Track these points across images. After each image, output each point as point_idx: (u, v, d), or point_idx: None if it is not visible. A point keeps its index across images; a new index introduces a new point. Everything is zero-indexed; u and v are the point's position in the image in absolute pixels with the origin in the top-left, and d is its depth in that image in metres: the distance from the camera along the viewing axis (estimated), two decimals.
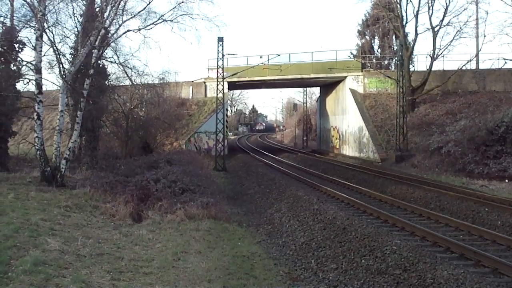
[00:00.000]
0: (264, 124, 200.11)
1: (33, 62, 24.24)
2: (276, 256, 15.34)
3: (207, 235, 17.17)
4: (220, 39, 42.33)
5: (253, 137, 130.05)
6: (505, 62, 45.94)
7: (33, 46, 24.55)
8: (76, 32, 29.02)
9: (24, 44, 28.33)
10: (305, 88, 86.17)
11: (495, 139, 31.88)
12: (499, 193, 26.06)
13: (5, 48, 28.06)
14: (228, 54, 45.82)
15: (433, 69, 50.45)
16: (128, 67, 32.55)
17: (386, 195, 24.94)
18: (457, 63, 68.17)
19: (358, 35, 75.28)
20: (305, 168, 40.34)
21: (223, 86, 44.62)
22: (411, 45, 51.71)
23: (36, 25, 23.94)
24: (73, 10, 28.01)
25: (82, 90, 26.02)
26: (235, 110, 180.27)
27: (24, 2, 24.89)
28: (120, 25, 28.63)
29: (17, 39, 28.31)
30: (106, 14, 26.79)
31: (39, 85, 23.78)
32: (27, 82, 28.88)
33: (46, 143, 27.15)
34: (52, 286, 10.25)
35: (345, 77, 56.65)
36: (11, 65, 28.66)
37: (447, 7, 48.29)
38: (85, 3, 28.32)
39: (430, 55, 50.19)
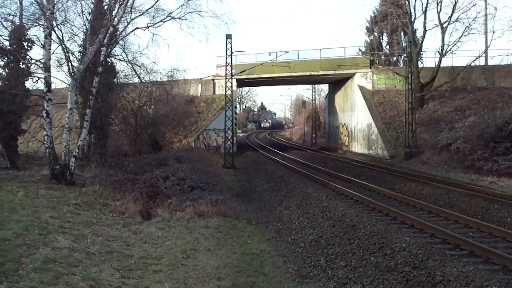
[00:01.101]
0: (270, 121, 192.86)
1: (42, 60, 24.38)
2: (285, 253, 15.37)
3: (216, 232, 17.21)
4: (229, 36, 42.26)
5: (262, 135, 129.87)
6: None
7: (42, 44, 24.67)
8: (85, 30, 29.16)
9: (33, 43, 28.42)
10: (313, 85, 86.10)
11: (505, 135, 31.74)
12: (508, 189, 25.91)
13: (14, 46, 28.17)
14: (237, 51, 45.84)
15: (442, 65, 50.26)
16: (136, 65, 32.62)
17: (395, 192, 24.88)
18: (466, 59, 67.68)
19: (366, 31, 75.06)
20: (314, 165, 40.30)
21: (231, 83, 44.65)
22: (420, 42, 51.43)
23: (45, 24, 24.04)
24: (82, 8, 28.12)
25: (91, 88, 26.09)
26: (243, 107, 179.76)
27: (33, 1, 25.06)
28: (128, 23, 28.72)
29: (26, 37, 28.40)
30: (114, 12, 26.86)
31: (48, 83, 23.89)
32: (36, 80, 29.04)
33: (55, 141, 27.22)
34: (62, 284, 10.28)
35: (354, 74, 56.55)
36: (20, 63, 28.76)
37: (455, 3, 48.09)
38: (93, 1, 28.40)
39: (438, 52, 50.01)
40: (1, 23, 26.31)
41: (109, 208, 19.46)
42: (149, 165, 28.20)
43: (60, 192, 20.86)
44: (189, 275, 12.13)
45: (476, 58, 49.70)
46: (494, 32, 48.03)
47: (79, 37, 29.74)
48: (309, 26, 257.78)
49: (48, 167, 24.88)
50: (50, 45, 23.99)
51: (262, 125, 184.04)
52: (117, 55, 31.95)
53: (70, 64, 25.45)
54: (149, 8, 28.86)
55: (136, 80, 37.08)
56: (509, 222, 18.05)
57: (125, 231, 16.34)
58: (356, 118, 55.80)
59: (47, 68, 23.89)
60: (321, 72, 58.59)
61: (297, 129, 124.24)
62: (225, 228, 18.04)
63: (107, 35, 26.29)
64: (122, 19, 27.77)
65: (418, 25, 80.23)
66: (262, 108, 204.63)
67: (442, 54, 49.36)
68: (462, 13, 48.55)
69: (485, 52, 52.23)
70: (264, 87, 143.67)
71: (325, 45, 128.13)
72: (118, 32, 28.53)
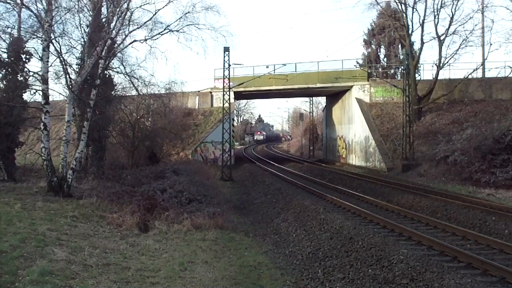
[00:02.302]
0: (264, 133, 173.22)
1: (40, 73, 24.40)
2: (283, 265, 15.30)
3: (213, 245, 17.19)
4: (226, 49, 42.36)
5: (259, 147, 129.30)
6: None
7: (40, 56, 24.71)
8: (83, 43, 29.18)
9: (31, 55, 28.49)
10: (311, 98, 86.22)
11: (502, 147, 31.77)
12: (506, 201, 25.96)
13: (12, 58, 28.22)
14: (235, 64, 45.97)
15: (439, 78, 50.44)
16: (134, 77, 32.66)
17: (392, 204, 24.88)
18: (463, 71, 68.32)
19: (364, 44, 75.47)
20: (311, 178, 40.32)
21: (229, 96, 44.61)
22: (417, 54, 51.60)
23: (43, 36, 24.09)
24: (80, 21, 28.17)
25: (88, 100, 26.14)
26: (241, 120, 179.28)
27: (31, 13, 25.06)
28: (126, 36, 28.81)
29: (24, 49, 28.48)
30: (112, 25, 26.97)
31: (46, 96, 23.90)
32: (34, 93, 29.01)
33: (52, 153, 27.27)
34: None
35: (351, 86, 56.67)
36: (18, 75, 28.80)
37: (452, 16, 48.32)
38: (91, 13, 28.46)
39: (436, 64, 50.26)
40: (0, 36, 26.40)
41: (107, 220, 19.45)
42: (147, 177, 28.18)
43: (57, 204, 20.83)
44: None
45: (474, 71, 50.07)
46: (491, 44, 48.33)
47: (77, 49, 29.83)
48: (307, 39, 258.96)
49: (45, 179, 24.86)
50: (48, 58, 24.04)
51: (254, 138, 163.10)
52: (115, 68, 32.07)
53: (68, 76, 25.49)
54: (147, 21, 28.99)
55: (134, 92, 37.20)
56: (506, 234, 18.04)
57: (123, 244, 16.30)
58: (354, 131, 55.85)
59: (45, 81, 23.93)
60: (318, 85, 58.71)
61: (294, 141, 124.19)
62: (222, 240, 18.02)
63: (105, 47, 26.38)
64: (120, 31, 27.90)
65: (415, 37, 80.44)
66: (260, 120, 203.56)
67: (439, 67, 49.53)
68: (459, 25, 48.76)
69: (482, 64, 52.42)
70: (262, 100, 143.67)
71: (322, 58, 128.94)
72: (116, 45, 28.63)
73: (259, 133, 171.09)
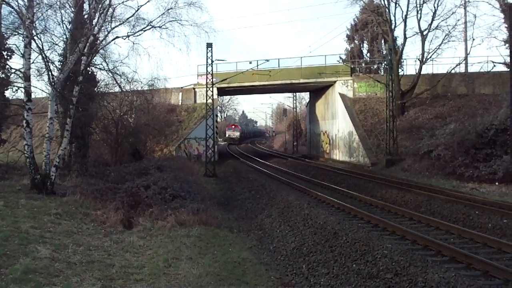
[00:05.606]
0: (239, 128, 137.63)
1: (22, 70, 24.18)
2: (267, 261, 15.32)
3: (198, 241, 17.15)
4: (209, 45, 42.27)
5: (243, 144, 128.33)
6: (494, 65, 46.39)
7: (21, 53, 24.44)
8: (65, 39, 28.95)
9: (12, 52, 28.21)
10: (294, 93, 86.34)
11: (485, 142, 31.96)
12: (489, 195, 26.12)
13: None
14: (217, 60, 45.74)
15: (422, 73, 50.68)
16: (117, 74, 32.47)
17: (376, 199, 24.97)
18: (446, 66, 68.49)
19: (347, 39, 75.54)
20: (295, 173, 40.36)
21: (212, 92, 44.63)
22: (400, 49, 51.76)
23: (25, 33, 23.84)
24: (62, 17, 27.92)
25: (71, 97, 25.93)
26: (225, 116, 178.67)
27: (12, 9, 24.81)
28: (108, 32, 28.57)
29: (5, 46, 28.19)
30: (94, 21, 26.73)
31: (28, 93, 23.68)
32: (16, 90, 28.83)
33: (35, 150, 27.01)
34: None
35: (335, 81, 56.78)
36: (0, 72, 28.53)
37: (435, 11, 48.57)
38: (73, 10, 28.22)
39: (419, 59, 50.48)
40: None
41: (90, 217, 19.32)
42: (130, 174, 28.06)
43: (40, 202, 20.66)
44: (171, 284, 12.08)
45: (456, 65, 50.50)
46: (473, 39, 48.58)
47: (59, 46, 29.53)
48: (290, 34, 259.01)
49: (28, 177, 24.64)
50: (30, 54, 23.81)
51: (226, 135, 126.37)
52: (98, 64, 31.85)
53: (50, 73, 25.26)
54: (130, 17, 28.76)
55: (117, 89, 36.98)
56: (490, 228, 18.19)
57: (107, 241, 16.24)
58: (337, 126, 55.97)
59: (27, 78, 23.70)
60: (302, 80, 58.79)
61: (278, 137, 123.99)
62: (206, 236, 17.99)
63: (87, 44, 26.16)
64: (102, 28, 27.65)
65: (398, 32, 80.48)
66: (244, 116, 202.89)
67: (422, 62, 49.79)
68: (442, 20, 49.05)
69: (465, 59, 52.79)
70: (245, 96, 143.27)
71: (306, 53, 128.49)
72: (98, 41, 28.39)
73: (233, 127, 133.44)
